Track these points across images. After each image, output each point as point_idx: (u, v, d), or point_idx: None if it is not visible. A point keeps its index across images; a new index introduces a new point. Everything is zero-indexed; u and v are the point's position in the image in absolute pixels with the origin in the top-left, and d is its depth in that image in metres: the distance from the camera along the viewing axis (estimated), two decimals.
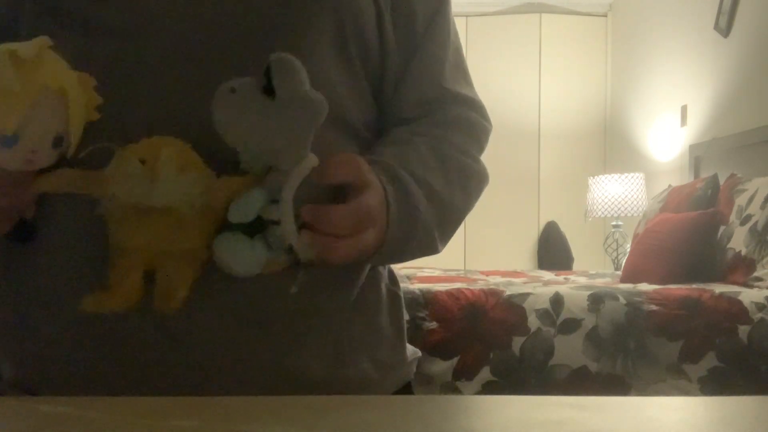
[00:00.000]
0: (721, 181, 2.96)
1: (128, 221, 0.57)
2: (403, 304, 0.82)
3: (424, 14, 0.77)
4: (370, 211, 0.61)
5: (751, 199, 2.65)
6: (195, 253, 0.59)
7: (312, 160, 0.59)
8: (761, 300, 2.17)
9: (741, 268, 2.55)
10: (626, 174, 4.20)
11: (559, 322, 2.16)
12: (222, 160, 0.59)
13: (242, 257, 0.57)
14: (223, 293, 0.63)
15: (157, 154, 0.57)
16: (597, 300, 2.19)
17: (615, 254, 4.31)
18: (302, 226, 0.58)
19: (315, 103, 0.57)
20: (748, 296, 2.20)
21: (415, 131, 0.75)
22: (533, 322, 2.15)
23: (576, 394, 0.49)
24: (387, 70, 0.76)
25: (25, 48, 0.53)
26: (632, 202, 4.11)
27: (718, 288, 2.31)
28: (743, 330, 2.13)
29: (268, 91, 0.57)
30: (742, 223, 2.63)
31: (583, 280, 2.90)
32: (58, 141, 0.56)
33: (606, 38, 5.34)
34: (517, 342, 2.13)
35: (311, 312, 0.68)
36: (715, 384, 2.10)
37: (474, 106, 0.82)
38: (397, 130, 0.76)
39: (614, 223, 4.31)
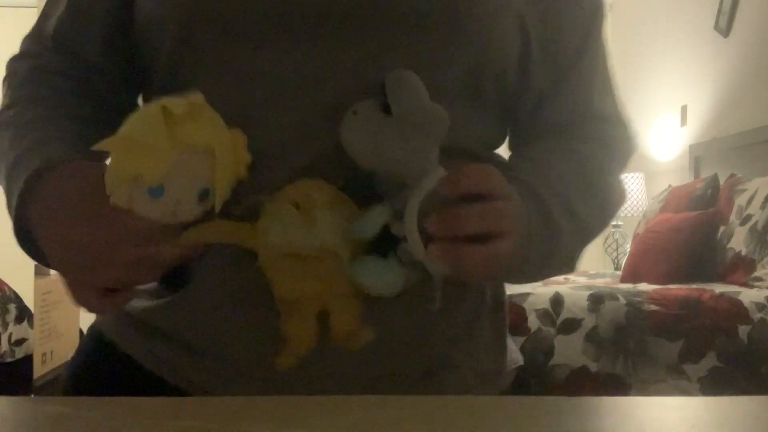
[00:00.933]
0: (721, 181, 2.96)
1: (291, 271, 0.57)
2: (506, 312, 0.78)
3: (575, 40, 0.72)
4: (502, 213, 0.57)
5: (751, 199, 2.65)
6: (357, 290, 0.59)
7: (440, 172, 0.56)
8: (761, 300, 2.17)
9: (741, 268, 2.55)
10: (626, 174, 4.20)
11: (559, 322, 2.16)
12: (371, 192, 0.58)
13: (378, 277, 0.57)
14: (374, 315, 0.61)
15: (309, 198, 0.58)
16: (597, 300, 2.19)
17: (615, 254, 4.31)
18: (431, 239, 0.56)
19: (434, 114, 0.58)
20: (748, 296, 2.20)
21: (553, 148, 0.70)
22: (533, 322, 2.15)
23: (576, 394, 0.49)
24: (525, 101, 0.71)
25: (176, 104, 0.54)
26: (632, 202, 4.11)
27: (718, 288, 2.31)
28: (743, 330, 2.13)
29: (387, 107, 0.57)
30: (742, 223, 2.63)
31: (583, 280, 2.90)
32: (204, 194, 0.56)
33: (606, 38, 5.33)
34: (518, 342, 2.13)
35: (453, 327, 0.67)
36: (715, 384, 2.10)
37: (618, 123, 0.77)
38: (532, 146, 0.71)
39: (614, 223, 4.31)
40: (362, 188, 0.59)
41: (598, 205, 0.70)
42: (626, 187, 0.72)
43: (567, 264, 0.68)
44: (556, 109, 0.72)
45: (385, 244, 0.57)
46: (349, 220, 0.58)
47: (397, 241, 0.57)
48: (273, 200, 0.58)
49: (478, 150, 0.68)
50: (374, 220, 0.57)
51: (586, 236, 0.69)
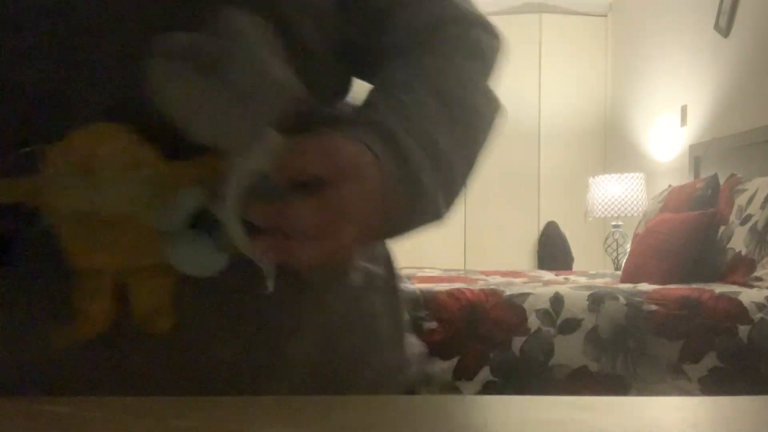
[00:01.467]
0: (721, 181, 2.96)
1: (82, 236, 0.49)
2: (402, 300, 0.73)
3: None
4: (343, 203, 0.48)
5: (751, 199, 2.65)
6: (168, 264, 0.50)
7: (269, 150, 0.47)
8: (761, 300, 2.17)
9: (741, 268, 2.55)
10: (626, 174, 4.20)
11: (559, 322, 2.16)
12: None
13: (192, 258, 0.49)
14: (207, 295, 0.55)
15: (94, 152, 0.48)
16: (597, 300, 2.19)
17: (615, 254, 4.31)
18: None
19: (278, 87, 0.47)
20: (748, 296, 2.20)
21: (413, 68, 0.63)
22: (533, 322, 2.15)
23: (576, 394, 0.49)
24: (364, 22, 0.64)
25: None
26: (632, 202, 4.11)
27: (718, 288, 2.31)
28: (743, 330, 2.12)
29: (214, 62, 0.46)
30: (742, 223, 2.63)
31: (583, 280, 2.90)
32: None
33: (606, 38, 5.34)
34: (517, 342, 2.13)
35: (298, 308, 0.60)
36: (715, 384, 2.10)
37: (477, 22, 0.69)
38: (391, 69, 0.63)
39: (614, 223, 4.31)
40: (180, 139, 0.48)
41: (468, 136, 0.62)
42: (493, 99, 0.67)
43: (433, 216, 0.60)
44: (400, 22, 0.65)
45: (207, 215, 0.49)
46: (150, 180, 0.49)
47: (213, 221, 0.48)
48: (51, 152, 0.49)
49: (322, 100, 0.62)
50: (181, 210, 0.49)
51: (454, 178, 0.61)
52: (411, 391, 0.73)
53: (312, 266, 0.49)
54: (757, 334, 2.12)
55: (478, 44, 0.68)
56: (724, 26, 3.48)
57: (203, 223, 0.49)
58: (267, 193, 0.47)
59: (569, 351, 2.13)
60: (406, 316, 0.74)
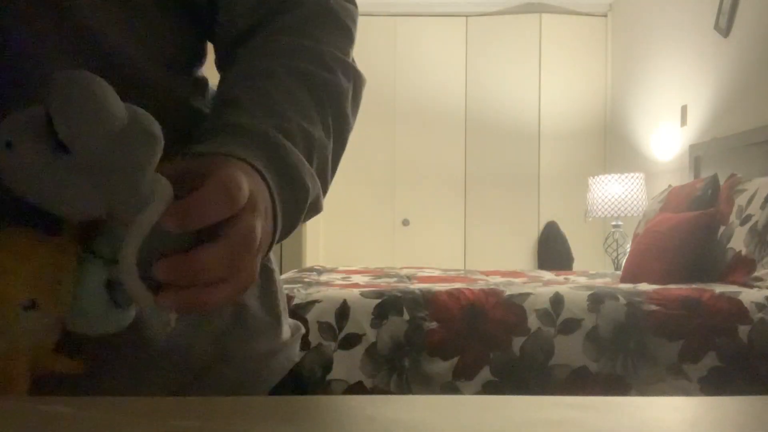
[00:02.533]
0: (721, 181, 2.96)
1: None
2: (278, 279, 0.70)
3: None
4: (248, 239, 0.46)
5: (751, 199, 2.65)
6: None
7: (162, 193, 0.44)
8: (761, 300, 2.17)
9: (741, 268, 2.55)
10: (626, 174, 4.20)
11: (559, 322, 2.16)
12: None
13: (95, 324, 0.48)
14: None
15: None
16: (597, 300, 2.19)
17: (615, 254, 4.32)
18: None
19: (136, 139, 0.43)
20: (748, 296, 2.20)
21: (271, 53, 0.60)
22: (533, 322, 2.15)
23: (576, 394, 0.49)
24: None
25: None
26: (632, 202, 4.11)
27: (718, 288, 2.31)
28: (743, 330, 2.12)
29: (61, 143, 0.42)
30: (742, 223, 2.63)
31: (583, 280, 2.90)
32: None
33: (606, 38, 5.34)
34: (517, 342, 2.13)
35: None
36: (715, 384, 2.10)
37: None
38: (249, 56, 0.61)
39: (614, 223, 4.31)
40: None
41: (339, 120, 0.61)
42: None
43: (316, 210, 0.59)
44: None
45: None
46: (48, 274, 0.46)
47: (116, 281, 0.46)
48: None
49: (173, 71, 0.60)
50: (90, 289, 0.46)
51: (330, 166, 0.60)
52: (296, 374, 0.71)
53: (221, 305, 0.47)
54: (757, 334, 2.12)
55: (332, 11, 0.65)
56: (724, 26, 3.48)
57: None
58: (166, 243, 0.44)
59: (569, 351, 2.13)
60: (282, 298, 0.71)
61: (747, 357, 2.11)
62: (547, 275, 3.30)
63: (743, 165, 3.12)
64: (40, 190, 0.43)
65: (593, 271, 3.90)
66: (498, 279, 2.89)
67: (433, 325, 2.12)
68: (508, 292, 2.21)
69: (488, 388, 2.10)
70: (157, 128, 0.44)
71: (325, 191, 0.60)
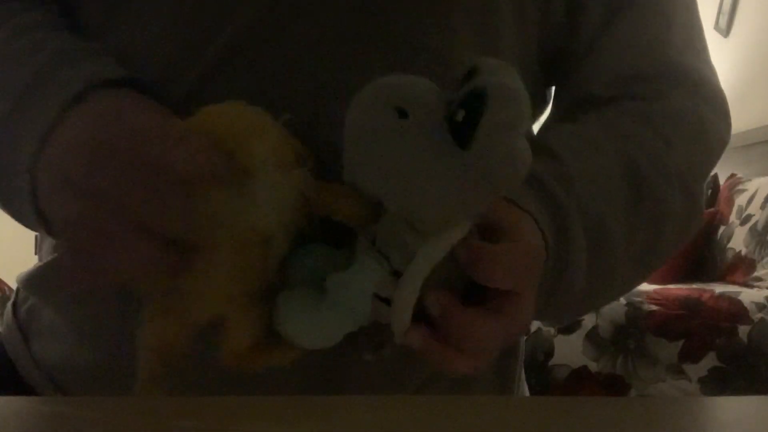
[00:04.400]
0: (721, 181, 2.96)
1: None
2: (520, 353, 0.62)
3: None
4: (518, 321, 0.42)
5: (751, 199, 2.65)
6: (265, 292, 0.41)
7: (461, 230, 0.39)
8: (761, 300, 2.17)
9: (741, 268, 2.55)
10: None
11: None
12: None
13: (307, 327, 0.41)
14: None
15: (247, 146, 0.38)
16: None
17: None
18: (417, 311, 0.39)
19: (518, 165, 0.37)
20: (748, 296, 2.20)
21: (615, 129, 0.50)
22: (533, 322, 2.15)
23: (576, 394, 0.48)
24: (580, 27, 0.52)
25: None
26: None
27: (718, 288, 2.31)
28: (743, 330, 2.12)
29: (460, 132, 0.35)
30: (742, 223, 2.63)
31: None
32: None
33: None
34: None
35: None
36: (715, 384, 2.10)
37: (710, 94, 0.56)
38: (589, 119, 0.51)
39: None
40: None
41: (648, 239, 0.49)
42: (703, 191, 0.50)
43: (563, 318, 0.52)
44: (614, 52, 0.52)
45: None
46: (300, 186, 0.39)
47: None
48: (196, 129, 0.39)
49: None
50: (356, 292, 0.39)
51: (608, 287, 0.50)
52: None
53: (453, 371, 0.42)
54: (757, 334, 2.12)
55: (707, 130, 0.53)
56: (724, 26, 3.48)
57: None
58: (438, 278, 0.39)
59: (569, 351, 2.13)
60: (518, 371, 0.64)
61: (747, 357, 2.11)
62: None
63: (743, 165, 3.12)
64: (399, 167, 0.36)
65: None
66: None
67: None
68: None
69: None
70: (528, 165, 0.38)
71: (582, 311, 0.50)
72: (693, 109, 0.53)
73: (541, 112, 0.56)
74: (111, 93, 0.43)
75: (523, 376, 0.64)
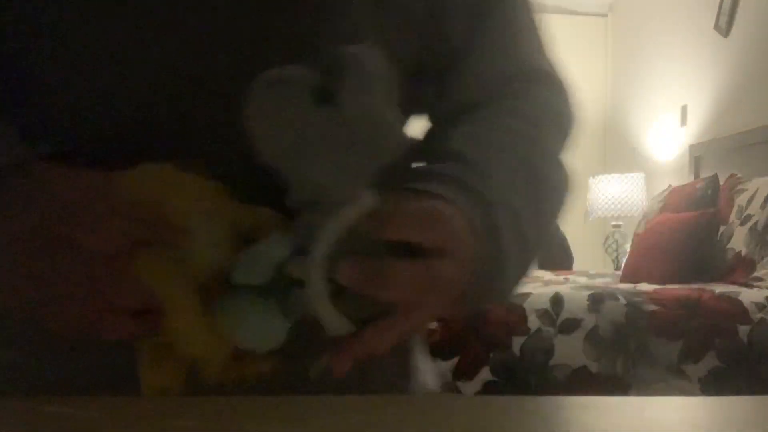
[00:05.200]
0: (721, 181, 2.96)
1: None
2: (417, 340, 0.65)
3: None
4: (440, 279, 0.44)
5: (751, 199, 2.65)
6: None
7: (367, 202, 0.42)
8: (761, 300, 2.17)
9: (741, 268, 2.55)
10: (626, 174, 4.20)
11: (559, 322, 2.16)
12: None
13: (250, 328, 0.43)
14: None
15: (171, 199, 0.43)
16: (597, 300, 2.19)
17: (615, 254, 4.31)
18: (337, 291, 0.41)
19: (390, 130, 0.42)
20: (748, 296, 2.20)
21: (502, 128, 0.57)
22: (533, 322, 2.15)
23: (576, 394, 0.49)
24: (440, 55, 0.58)
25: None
26: (632, 202, 4.11)
27: (718, 288, 2.31)
28: (743, 330, 2.12)
29: (325, 96, 0.41)
30: (742, 223, 2.63)
31: (583, 280, 2.90)
32: None
33: (606, 38, 5.34)
34: (517, 342, 2.13)
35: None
36: (715, 384, 2.10)
37: (557, 84, 0.64)
38: (474, 122, 0.57)
39: (614, 223, 4.31)
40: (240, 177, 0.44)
41: (546, 219, 0.57)
42: (568, 170, 0.61)
43: (501, 296, 0.55)
44: (480, 59, 0.59)
45: (271, 281, 0.42)
46: (234, 227, 0.44)
47: (285, 280, 0.42)
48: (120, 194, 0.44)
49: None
50: (264, 261, 0.42)
51: (528, 261, 0.56)
52: None
53: (391, 343, 0.45)
54: (757, 334, 2.12)
55: (564, 116, 0.62)
56: (724, 26, 3.48)
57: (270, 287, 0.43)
58: (354, 254, 0.41)
59: (569, 351, 2.13)
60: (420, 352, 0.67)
61: (747, 357, 2.11)
62: (547, 275, 3.30)
63: (743, 165, 3.12)
64: (283, 136, 0.41)
65: (593, 271, 3.90)
66: None
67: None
68: None
69: (488, 388, 2.10)
70: (404, 138, 0.44)
71: (516, 285, 0.55)
72: (550, 100, 0.62)
73: (415, 112, 0.62)
74: (36, 169, 0.46)
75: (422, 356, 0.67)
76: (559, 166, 0.60)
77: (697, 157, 3.69)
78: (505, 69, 0.60)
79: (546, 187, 0.57)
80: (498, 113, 0.58)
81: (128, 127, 0.51)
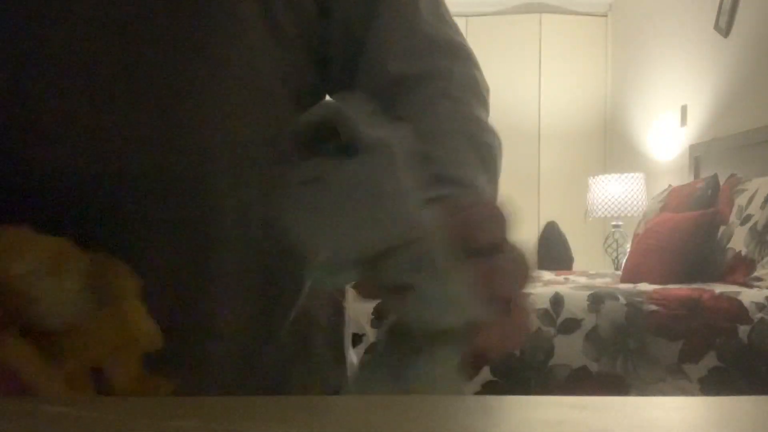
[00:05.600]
0: (721, 181, 2.96)
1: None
2: (347, 316, 0.69)
3: None
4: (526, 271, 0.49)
5: (751, 199, 2.65)
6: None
7: (435, 222, 0.43)
8: (761, 300, 2.17)
9: (741, 268, 2.55)
10: (626, 174, 4.20)
11: (559, 322, 2.16)
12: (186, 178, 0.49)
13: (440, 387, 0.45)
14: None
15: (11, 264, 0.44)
16: (597, 300, 2.19)
17: (615, 254, 4.31)
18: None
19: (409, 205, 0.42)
20: (748, 296, 2.20)
21: (438, 111, 0.61)
22: (533, 322, 2.15)
23: (576, 394, 0.49)
24: (334, 35, 0.62)
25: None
26: (632, 202, 4.11)
27: (718, 288, 2.31)
28: (743, 330, 2.12)
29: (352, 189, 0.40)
30: (742, 223, 2.63)
31: (583, 280, 2.90)
32: None
33: (606, 38, 5.34)
34: None
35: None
36: (715, 384, 2.10)
37: (465, 53, 0.68)
38: (418, 113, 0.61)
39: (614, 223, 4.31)
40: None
41: (495, 182, 0.62)
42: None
43: None
44: (388, 35, 0.62)
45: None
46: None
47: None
48: None
49: (278, 89, 0.59)
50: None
51: None
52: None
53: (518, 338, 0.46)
54: (757, 334, 2.12)
55: (480, 83, 0.67)
56: (724, 26, 3.48)
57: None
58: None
59: (569, 351, 2.13)
60: (348, 335, 0.71)
61: (747, 357, 2.11)
62: (547, 275, 3.30)
63: (743, 165, 3.12)
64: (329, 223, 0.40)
65: (593, 271, 3.90)
66: None
67: None
68: None
69: (488, 388, 2.10)
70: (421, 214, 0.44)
71: None
72: (465, 71, 0.66)
73: (315, 99, 0.64)
74: None
75: (350, 344, 0.70)
76: (492, 132, 0.64)
77: (697, 157, 3.69)
78: (417, 47, 0.63)
79: (492, 156, 0.62)
80: (433, 99, 0.62)
81: None
